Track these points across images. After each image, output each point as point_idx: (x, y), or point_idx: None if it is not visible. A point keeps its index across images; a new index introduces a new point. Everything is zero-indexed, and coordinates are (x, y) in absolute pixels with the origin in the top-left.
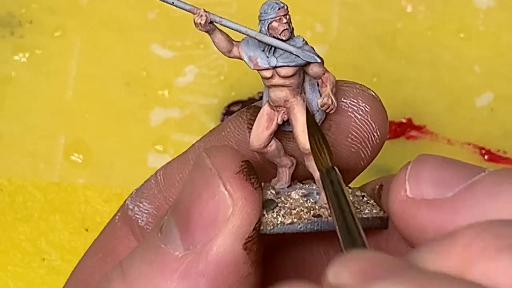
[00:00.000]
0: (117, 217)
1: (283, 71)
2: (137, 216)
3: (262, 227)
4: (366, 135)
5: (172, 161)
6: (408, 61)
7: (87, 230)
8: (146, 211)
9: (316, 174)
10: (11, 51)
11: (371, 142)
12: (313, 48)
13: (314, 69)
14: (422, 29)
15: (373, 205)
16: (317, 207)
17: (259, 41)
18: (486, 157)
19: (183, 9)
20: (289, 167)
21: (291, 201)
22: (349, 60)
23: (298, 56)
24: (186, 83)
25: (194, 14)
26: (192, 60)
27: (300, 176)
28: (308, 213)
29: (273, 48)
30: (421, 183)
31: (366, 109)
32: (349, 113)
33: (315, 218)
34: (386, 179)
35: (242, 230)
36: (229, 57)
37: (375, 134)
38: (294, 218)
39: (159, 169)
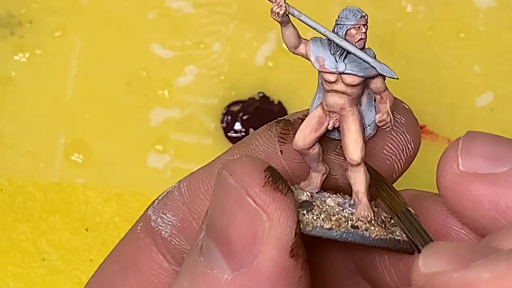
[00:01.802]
0: (139, 227)
1: (349, 79)
2: (161, 227)
3: (301, 226)
4: (401, 147)
5: (195, 173)
6: (408, 61)
7: (87, 230)
8: (170, 223)
9: (356, 187)
10: (11, 51)
11: (405, 154)
12: (385, 64)
13: (377, 84)
14: (422, 29)
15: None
16: (354, 218)
17: (332, 44)
18: None
19: None
20: (322, 173)
21: (327, 207)
22: None
23: (374, 68)
24: (186, 83)
25: (272, 2)
26: (192, 60)
27: (325, 186)
28: (346, 223)
29: (344, 54)
30: (474, 157)
31: (401, 120)
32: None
33: (352, 229)
34: (413, 193)
35: (284, 239)
36: (294, 52)
37: (409, 146)
38: (333, 224)
39: (182, 180)
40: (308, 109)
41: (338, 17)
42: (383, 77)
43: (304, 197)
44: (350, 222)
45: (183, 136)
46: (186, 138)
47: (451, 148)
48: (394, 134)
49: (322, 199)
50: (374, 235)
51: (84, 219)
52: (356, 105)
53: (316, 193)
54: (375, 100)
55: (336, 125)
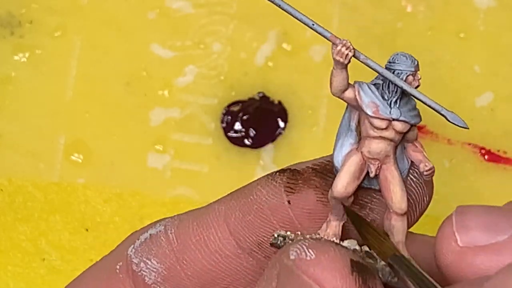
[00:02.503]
0: (118, 267)
1: (401, 126)
2: (144, 273)
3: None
4: (417, 199)
5: (184, 220)
6: None
7: (87, 230)
8: (154, 270)
9: (398, 236)
10: (11, 51)
11: (420, 207)
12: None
13: (414, 132)
14: (422, 29)
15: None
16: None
17: (384, 89)
18: (486, 157)
19: (323, 35)
20: (343, 222)
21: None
22: None
23: (445, 117)
24: (186, 83)
25: (336, 44)
26: (192, 60)
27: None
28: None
29: (398, 101)
30: (471, 230)
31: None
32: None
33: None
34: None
35: None
36: (339, 97)
37: (425, 198)
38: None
39: (169, 224)
40: (322, 157)
41: (389, 62)
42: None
43: (355, 246)
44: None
45: (183, 136)
46: (186, 138)
47: (445, 226)
48: (414, 185)
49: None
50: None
51: (84, 219)
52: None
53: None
54: (404, 148)
55: (378, 173)
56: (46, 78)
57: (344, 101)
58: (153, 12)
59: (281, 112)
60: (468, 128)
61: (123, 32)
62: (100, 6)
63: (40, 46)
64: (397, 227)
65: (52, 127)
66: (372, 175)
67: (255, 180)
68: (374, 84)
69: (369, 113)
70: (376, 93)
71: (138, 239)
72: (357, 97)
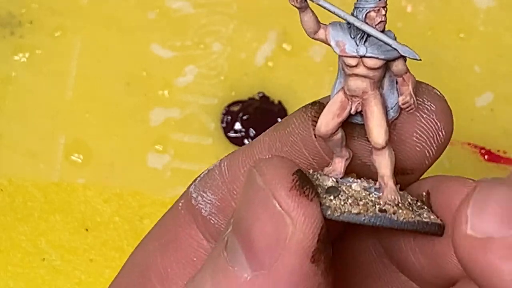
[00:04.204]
0: (180, 204)
1: (371, 62)
2: (200, 205)
3: (329, 212)
4: (431, 134)
5: (236, 152)
6: (408, 61)
7: (87, 230)
8: (209, 202)
9: (381, 170)
10: (11, 51)
11: (436, 142)
12: (406, 45)
13: (399, 66)
14: (422, 29)
15: (428, 211)
16: (381, 202)
17: (352, 27)
18: (486, 157)
19: None
20: (346, 159)
21: (354, 192)
22: None
23: (396, 50)
24: (186, 83)
25: None
26: (192, 60)
27: (348, 171)
28: (374, 207)
29: (364, 37)
30: (487, 216)
31: (432, 107)
32: (415, 112)
33: (380, 213)
34: (430, 183)
35: (307, 244)
36: (313, 38)
37: (440, 133)
38: (361, 209)
39: (224, 158)
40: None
41: (357, 0)
42: (404, 59)
43: (330, 182)
44: (377, 206)
45: (183, 136)
46: (186, 138)
47: (463, 203)
48: (424, 121)
49: (348, 184)
50: (402, 218)
51: (84, 219)
52: (378, 88)
53: (341, 178)
54: (397, 82)
55: (359, 109)
56: (46, 78)
57: (323, 42)
58: (153, 12)
59: (281, 112)
60: (420, 60)
61: (123, 32)
62: (100, 6)
63: (40, 46)
64: (378, 161)
65: (52, 127)
66: (352, 112)
67: (294, 112)
68: (348, 23)
69: (337, 52)
70: (346, 31)
71: (199, 177)
72: (327, 37)
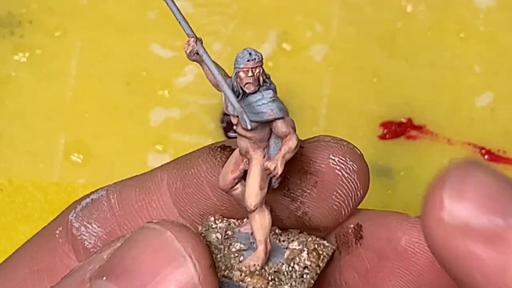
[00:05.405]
0: (58, 231)
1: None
2: (84, 237)
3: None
4: (350, 194)
5: (127, 185)
6: (408, 61)
7: None
8: (94, 234)
9: (254, 233)
10: (11, 51)
11: (353, 201)
12: (282, 103)
13: (278, 126)
14: (422, 29)
15: (302, 281)
16: (242, 267)
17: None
18: (486, 157)
19: (184, 31)
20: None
21: (227, 252)
22: (349, 60)
23: (237, 116)
24: (186, 83)
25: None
26: None
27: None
28: (226, 271)
29: (245, 96)
30: (466, 202)
31: (354, 167)
32: (337, 171)
33: (224, 278)
34: (360, 217)
35: None
36: (218, 90)
37: (358, 192)
38: (223, 272)
39: (111, 189)
40: None
41: (237, 56)
42: (283, 119)
43: (214, 239)
44: (227, 271)
45: (183, 136)
46: (186, 138)
47: (435, 187)
48: (345, 181)
49: (233, 243)
50: (250, 287)
51: None
52: (263, 148)
53: (239, 231)
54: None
55: (246, 168)
56: (46, 78)
57: None
58: (153, 12)
59: None
60: (251, 129)
61: (123, 32)
62: (100, 6)
63: (40, 46)
64: (251, 224)
65: (52, 127)
66: (240, 170)
67: (197, 150)
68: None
69: (224, 109)
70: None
71: (79, 205)
72: (224, 91)
